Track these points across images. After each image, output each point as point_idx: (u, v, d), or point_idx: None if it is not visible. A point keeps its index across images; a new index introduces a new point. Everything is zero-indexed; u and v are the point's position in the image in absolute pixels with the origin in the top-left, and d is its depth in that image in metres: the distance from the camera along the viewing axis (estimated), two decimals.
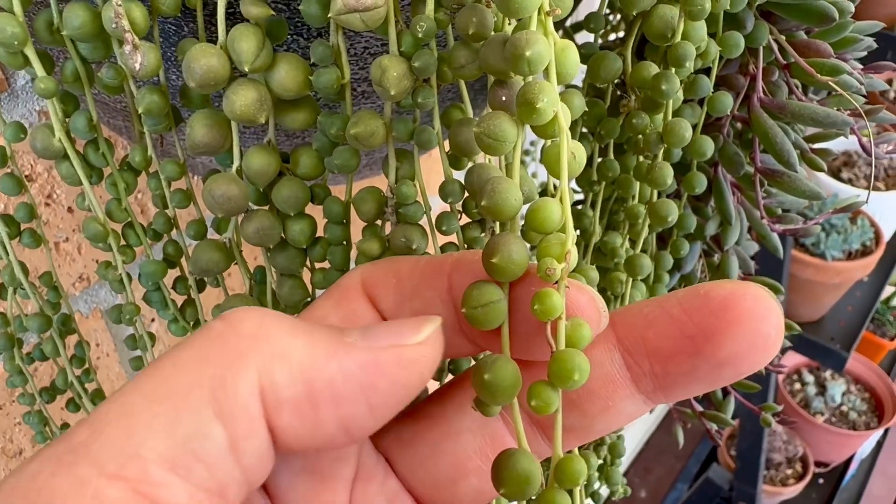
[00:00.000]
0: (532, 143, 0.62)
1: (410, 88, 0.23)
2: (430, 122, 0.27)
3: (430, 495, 0.20)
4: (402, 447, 0.21)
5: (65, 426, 0.38)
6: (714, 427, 0.45)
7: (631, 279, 0.32)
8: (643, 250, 0.33)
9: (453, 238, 0.29)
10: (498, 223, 0.26)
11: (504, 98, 0.20)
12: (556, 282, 0.17)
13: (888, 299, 1.66)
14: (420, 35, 0.23)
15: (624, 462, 1.92)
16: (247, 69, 0.23)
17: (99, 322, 0.51)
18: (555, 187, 0.31)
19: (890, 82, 1.47)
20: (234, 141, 0.26)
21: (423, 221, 0.28)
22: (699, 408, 0.46)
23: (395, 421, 0.20)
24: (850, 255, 1.21)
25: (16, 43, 0.22)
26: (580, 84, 0.33)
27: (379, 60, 0.23)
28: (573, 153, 0.18)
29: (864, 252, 1.21)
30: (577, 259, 0.17)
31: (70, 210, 0.45)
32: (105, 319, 0.52)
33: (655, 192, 0.31)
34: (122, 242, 0.27)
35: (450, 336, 0.19)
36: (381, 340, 0.16)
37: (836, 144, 1.36)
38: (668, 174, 0.28)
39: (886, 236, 1.25)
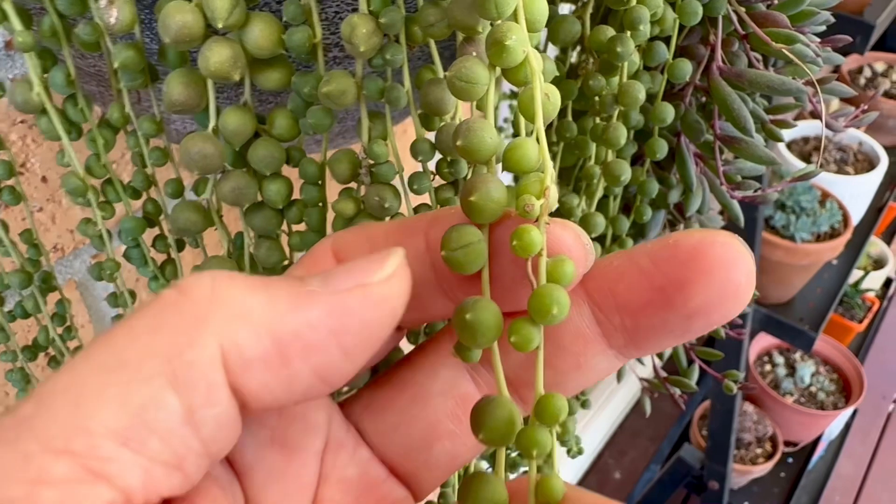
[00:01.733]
0: (505, 121, 0.63)
1: (379, 45, 0.24)
2: (401, 82, 0.28)
3: (402, 462, 0.20)
4: (372, 415, 0.20)
5: None
6: (678, 392, 0.47)
7: None
8: (603, 215, 0.35)
9: (426, 198, 0.30)
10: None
11: (474, 54, 0.21)
12: (536, 219, 0.17)
13: (857, 283, 1.70)
14: None
15: (598, 444, 1.94)
16: (220, 25, 0.23)
17: (73, 293, 0.51)
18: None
19: (887, 72, 1.50)
20: (211, 100, 0.26)
21: (397, 183, 0.29)
22: (663, 374, 0.47)
23: (364, 389, 0.21)
24: (818, 238, 1.24)
25: None
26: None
27: (349, 18, 0.24)
28: (547, 94, 0.18)
29: (833, 234, 1.24)
30: (556, 197, 0.17)
31: (44, 179, 0.45)
32: (80, 290, 0.52)
33: (612, 153, 0.32)
34: (102, 198, 0.28)
35: (428, 296, 0.19)
36: (345, 282, 0.16)
37: (808, 130, 1.38)
38: (622, 135, 0.29)
39: (855, 219, 1.27)
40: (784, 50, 0.31)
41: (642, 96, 0.28)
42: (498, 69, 0.19)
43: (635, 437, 2.02)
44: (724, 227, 0.45)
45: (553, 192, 0.17)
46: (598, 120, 0.31)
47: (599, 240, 0.36)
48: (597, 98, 0.29)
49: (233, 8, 0.24)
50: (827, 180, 1.28)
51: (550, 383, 0.19)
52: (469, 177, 0.27)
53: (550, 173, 0.17)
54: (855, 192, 1.28)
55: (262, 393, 0.15)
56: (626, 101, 0.28)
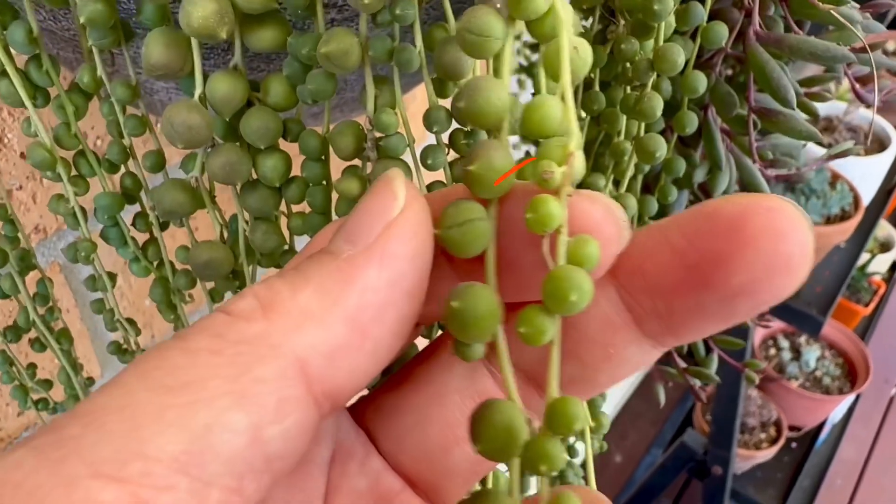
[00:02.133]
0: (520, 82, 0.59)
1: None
2: (411, 43, 0.25)
3: (419, 469, 0.18)
4: (383, 418, 0.18)
5: (31, 367, 0.36)
6: (697, 383, 0.44)
7: None
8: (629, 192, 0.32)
9: (440, 175, 0.27)
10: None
11: (498, 5, 0.18)
12: (557, 190, 0.14)
13: (864, 266, 1.67)
14: None
15: None
16: None
17: (58, 276, 0.48)
18: None
19: None
20: (196, 63, 0.23)
21: (408, 157, 0.26)
22: (683, 364, 0.45)
23: (375, 391, 0.19)
24: (828, 220, 1.21)
25: None
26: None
27: None
28: (576, 48, 0.15)
29: (843, 217, 1.21)
30: (583, 165, 0.14)
31: (23, 156, 0.42)
32: (64, 273, 0.49)
33: (643, 128, 0.29)
34: (74, 172, 0.25)
35: (443, 286, 0.16)
36: (372, 230, 0.15)
37: (818, 108, 1.35)
38: (658, 105, 0.26)
39: (865, 201, 1.25)
40: (833, 12, 0.28)
41: (681, 60, 0.25)
42: (520, 22, 0.16)
43: (636, 419, 2.01)
44: None
45: (579, 159, 0.14)
46: (628, 90, 0.28)
47: None
48: (629, 65, 0.26)
49: None
50: (838, 161, 1.25)
51: (578, 378, 0.17)
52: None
53: (576, 137, 0.14)
54: (866, 174, 1.25)
55: (349, 380, 0.14)
56: (664, 66, 0.25)
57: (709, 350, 0.48)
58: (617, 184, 0.31)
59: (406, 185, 0.15)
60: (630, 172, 0.29)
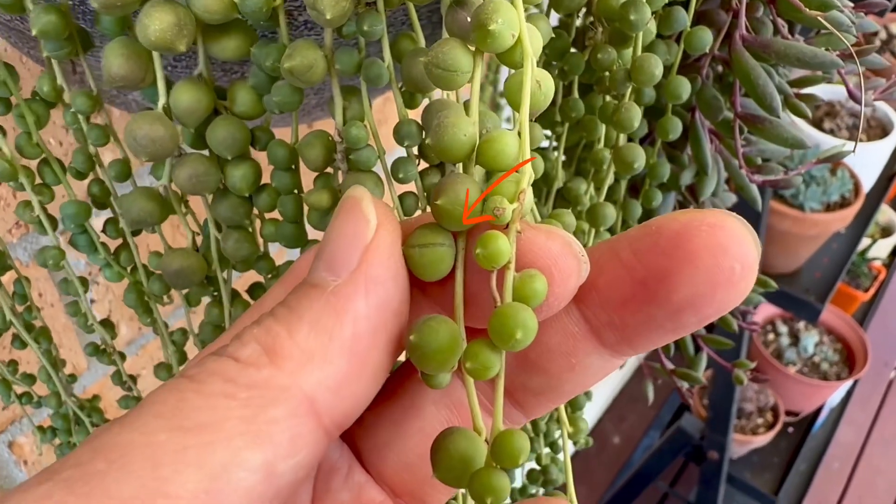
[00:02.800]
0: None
1: (350, 11, 0.20)
2: (378, 54, 0.24)
3: (402, 480, 0.19)
4: (364, 431, 0.19)
5: (11, 363, 0.36)
6: (685, 385, 0.44)
7: (594, 230, 0.30)
8: (611, 199, 0.31)
9: (411, 186, 0.26)
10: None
11: (465, 22, 0.17)
12: (507, 225, 0.14)
13: (864, 251, 1.66)
14: None
15: (597, 410, 1.95)
16: None
17: (41, 271, 0.48)
18: None
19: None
20: (158, 74, 0.23)
21: (378, 169, 0.26)
22: (670, 365, 0.44)
23: None
24: (828, 207, 1.20)
25: None
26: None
27: None
28: (538, 82, 0.15)
29: (843, 204, 1.20)
30: (532, 201, 0.15)
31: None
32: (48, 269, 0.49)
33: (623, 136, 0.28)
34: (38, 181, 0.25)
35: (417, 310, 0.17)
36: (352, 257, 0.15)
37: (820, 92, 1.33)
38: (636, 116, 0.26)
39: (866, 188, 1.24)
40: (819, 17, 0.27)
41: (659, 72, 0.24)
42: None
43: (634, 402, 2.01)
44: (736, 206, 0.41)
45: (529, 196, 0.15)
46: (607, 98, 0.27)
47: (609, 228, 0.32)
48: (606, 74, 0.25)
49: None
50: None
51: (545, 388, 0.18)
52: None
53: (529, 174, 0.15)
54: (867, 160, 1.24)
55: (354, 406, 0.15)
56: (641, 77, 0.24)
57: (698, 349, 0.47)
58: (598, 190, 0.30)
59: (375, 205, 0.16)
60: (609, 181, 0.29)
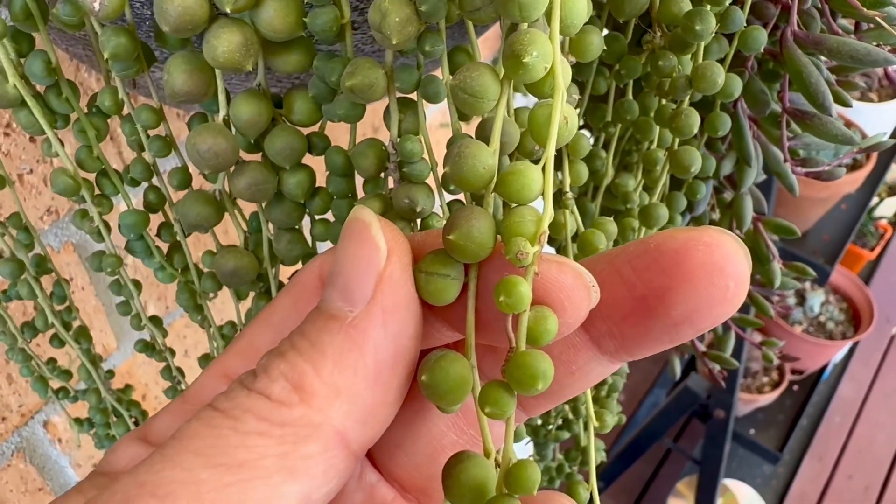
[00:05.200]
0: None
1: (415, 35, 0.20)
2: (433, 67, 0.24)
3: (410, 477, 0.20)
4: None
5: (51, 361, 0.36)
6: (717, 367, 0.44)
7: (645, 228, 0.30)
8: (649, 188, 0.31)
9: (461, 195, 0.26)
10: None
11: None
12: (525, 267, 0.15)
13: (871, 210, 1.66)
14: None
15: None
16: (228, 10, 0.19)
17: (72, 256, 0.48)
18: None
19: None
20: (220, 87, 0.23)
21: (430, 180, 0.26)
22: (702, 347, 0.45)
23: None
24: (836, 156, 1.19)
25: None
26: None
27: (379, 3, 0.20)
28: (566, 118, 0.15)
29: (854, 166, 1.20)
30: (546, 238, 0.15)
31: (33, 140, 0.41)
32: (78, 252, 0.49)
33: (676, 140, 0.28)
34: (97, 192, 0.25)
35: (427, 328, 0.17)
36: (366, 286, 0.16)
37: None
38: (695, 123, 0.26)
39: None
40: (876, 16, 0.27)
41: (721, 80, 0.24)
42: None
43: (640, 359, 2.03)
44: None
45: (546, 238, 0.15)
46: (663, 101, 0.27)
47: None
48: (666, 79, 0.25)
49: None
50: (849, 110, 1.23)
51: (547, 393, 0.18)
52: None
53: (550, 213, 0.15)
54: (878, 121, 1.23)
55: (380, 429, 0.16)
56: (703, 85, 0.24)
57: (726, 328, 0.48)
58: (648, 189, 0.30)
59: (384, 229, 0.16)
60: (663, 181, 0.29)
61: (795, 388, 1.71)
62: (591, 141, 0.36)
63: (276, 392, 0.15)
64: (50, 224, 0.45)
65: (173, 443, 0.15)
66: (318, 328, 0.16)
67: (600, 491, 1.65)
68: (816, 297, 1.64)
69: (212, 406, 0.15)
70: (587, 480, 0.35)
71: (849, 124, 1.23)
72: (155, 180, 0.26)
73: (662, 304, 0.16)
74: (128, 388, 0.40)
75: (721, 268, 0.15)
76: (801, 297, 1.67)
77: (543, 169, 0.15)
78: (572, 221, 0.27)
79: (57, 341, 0.34)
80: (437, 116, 0.68)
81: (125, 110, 0.23)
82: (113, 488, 0.14)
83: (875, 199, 1.66)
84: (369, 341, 0.15)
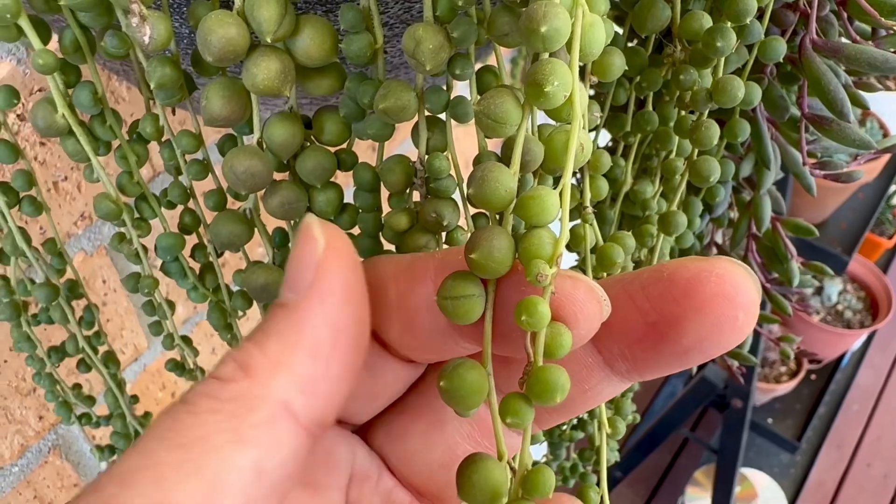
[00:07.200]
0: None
1: (447, 60, 0.21)
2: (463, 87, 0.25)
3: (425, 483, 0.21)
4: (392, 442, 0.21)
5: (76, 387, 0.37)
6: (735, 364, 0.45)
7: (664, 235, 0.31)
8: (667, 195, 0.32)
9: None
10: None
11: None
12: (544, 286, 0.16)
13: (889, 198, 1.66)
14: (459, 2, 0.20)
15: None
16: (269, 40, 0.20)
17: (104, 259, 0.49)
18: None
19: None
20: (255, 111, 0.23)
21: (455, 195, 0.26)
22: None
23: (385, 414, 0.22)
24: (856, 158, 1.19)
25: (8, 16, 0.19)
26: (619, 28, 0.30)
27: (413, 30, 0.21)
28: (581, 144, 0.16)
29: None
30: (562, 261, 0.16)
31: None
32: (111, 255, 0.50)
33: (696, 151, 0.29)
34: (136, 216, 0.26)
35: (442, 339, 0.19)
36: (306, 274, 0.17)
37: None
38: (715, 134, 0.26)
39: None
40: (894, 27, 0.27)
41: (741, 94, 0.25)
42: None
43: None
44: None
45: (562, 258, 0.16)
46: (682, 112, 0.28)
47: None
48: (687, 92, 0.26)
49: (282, 18, 0.20)
50: (867, 96, 1.22)
51: (559, 409, 0.19)
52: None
53: (566, 236, 0.16)
54: None
55: (328, 403, 0.17)
56: (724, 98, 0.25)
57: None
58: (667, 196, 0.31)
59: (322, 227, 0.17)
60: (682, 189, 0.29)
61: (813, 377, 1.71)
62: (610, 144, 0.36)
63: (224, 372, 0.16)
64: (84, 228, 0.47)
65: (143, 436, 0.16)
66: (268, 317, 0.17)
67: (618, 481, 1.66)
68: (834, 286, 1.63)
69: (177, 399, 0.17)
70: (600, 481, 0.36)
71: (867, 113, 1.23)
72: (190, 203, 0.27)
73: (674, 331, 0.17)
74: (147, 415, 0.40)
75: (731, 298, 0.16)
76: (819, 287, 1.66)
77: (561, 194, 0.16)
78: (591, 235, 0.27)
79: (84, 366, 0.35)
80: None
81: (164, 136, 0.24)
82: (90, 483, 0.15)
83: (893, 188, 1.65)
84: (308, 320, 0.16)
